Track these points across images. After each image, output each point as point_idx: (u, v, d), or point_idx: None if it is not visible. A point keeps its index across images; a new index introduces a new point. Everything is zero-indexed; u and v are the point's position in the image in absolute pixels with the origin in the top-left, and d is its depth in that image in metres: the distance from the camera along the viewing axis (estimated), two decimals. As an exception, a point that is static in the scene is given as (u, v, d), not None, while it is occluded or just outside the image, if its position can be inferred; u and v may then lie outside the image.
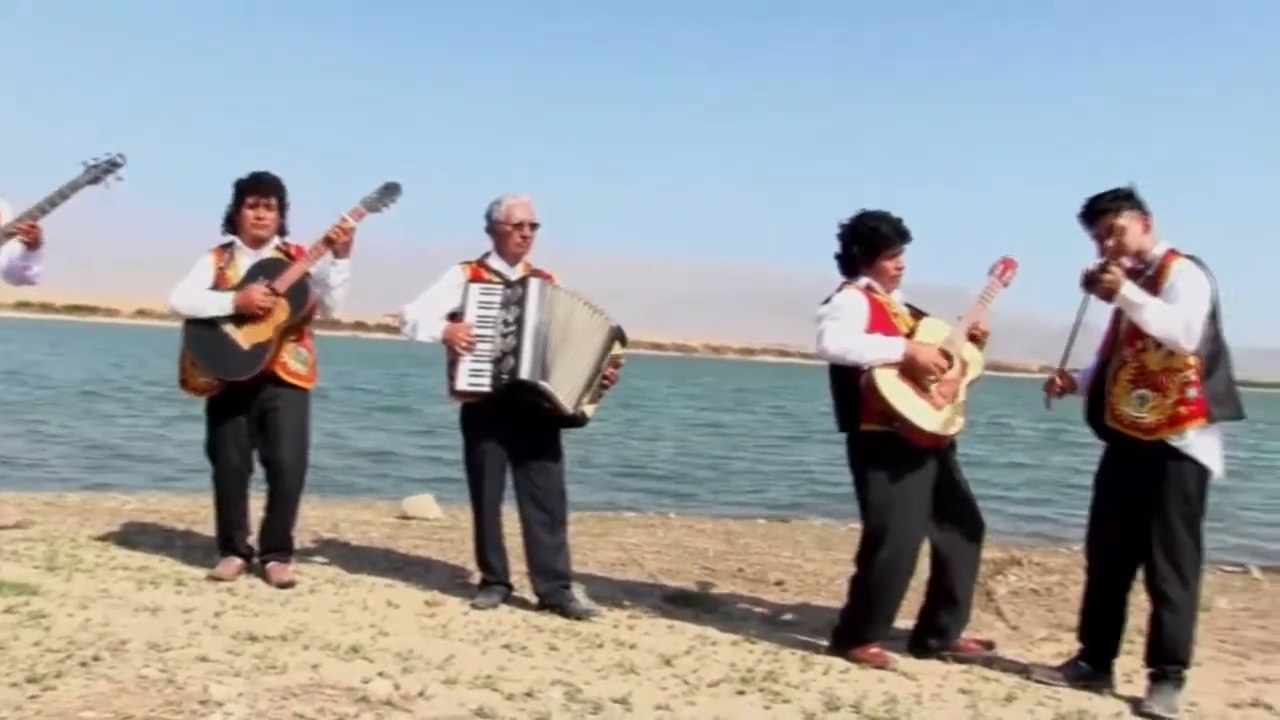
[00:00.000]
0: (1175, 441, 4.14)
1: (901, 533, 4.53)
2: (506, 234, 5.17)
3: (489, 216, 5.21)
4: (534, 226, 5.19)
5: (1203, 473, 4.19)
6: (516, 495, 5.18)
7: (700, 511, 11.68)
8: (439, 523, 8.33)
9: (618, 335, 5.21)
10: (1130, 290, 4.14)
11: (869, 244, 4.65)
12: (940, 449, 4.60)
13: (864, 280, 4.70)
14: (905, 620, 4.91)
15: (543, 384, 4.92)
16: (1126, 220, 4.22)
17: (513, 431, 5.08)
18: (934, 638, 4.77)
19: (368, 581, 5.51)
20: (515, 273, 5.17)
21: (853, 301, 4.62)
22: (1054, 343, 4.68)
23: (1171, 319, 4.07)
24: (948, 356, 4.52)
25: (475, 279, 5.13)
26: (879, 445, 4.53)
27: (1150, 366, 4.20)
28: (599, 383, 5.15)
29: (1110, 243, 4.21)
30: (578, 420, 5.11)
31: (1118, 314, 4.38)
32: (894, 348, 4.48)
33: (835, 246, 4.77)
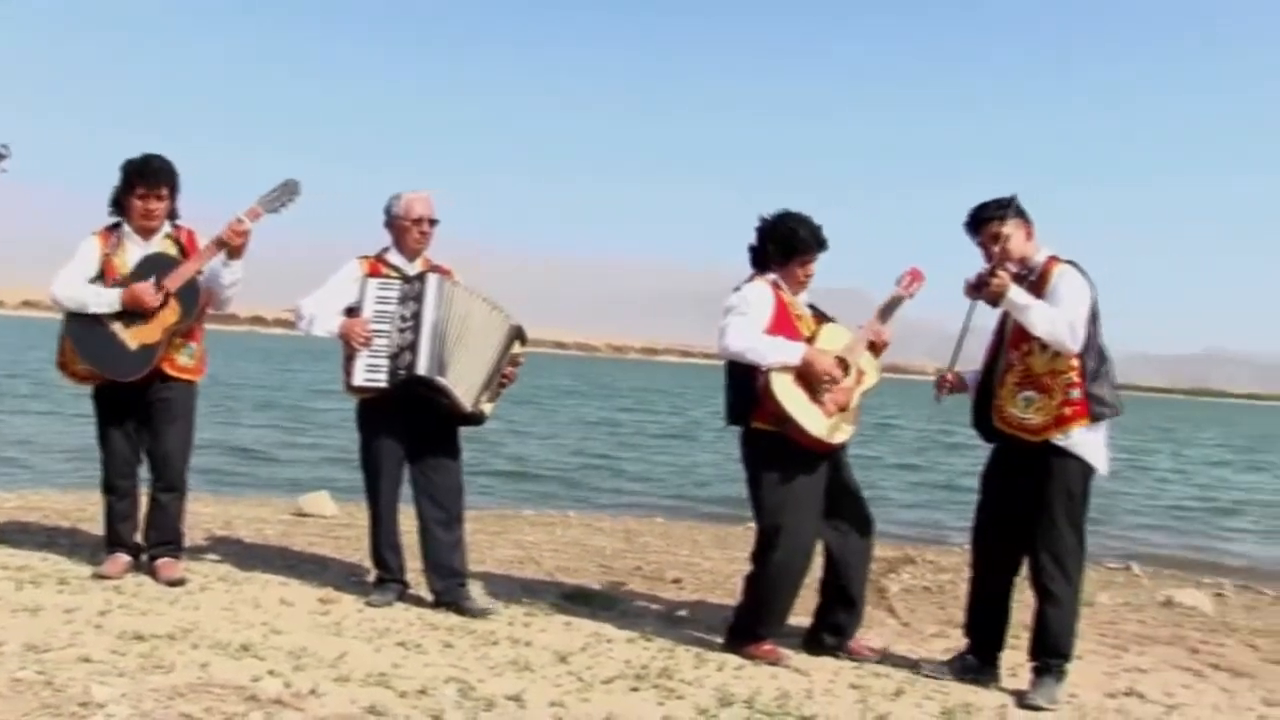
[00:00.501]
0: (1060, 441, 4.28)
1: (795, 533, 4.58)
2: (405, 229, 5.11)
3: (388, 211, 5.16)
4: (433, 223, 5.14)
5: (1087, 471, 4.33)
6: (413, 492, 5.13)
7: (599, 510, 11.69)
8: (335, 520, 8.22)
9: (517, 334, 5.20)
10: (1017, 293, 4.27)
11: (785, 245, 4.67)
12: (831, 452, 4.67)
13: (772, 276, 4.73)
14: (800, 617, 4.97)
15: (440, 380, 4.89)
16: (1010, 228, 4.34)
17: (410, 428, 5.03)
18: (831, 635, 4.84)
19: (261, 579, 5.42)
20: (414, 268, 5.12)
21: (761, 296, 4.64)
22: (951, 346, 4.77)
23: (1056, 320, 4.20)
24: (845, 365, 4.58)
25: (373, 274, 5.07)
26: (771, 444, 4.58)
27: (1035, 369, 4.33)
28: (498, 381, 5.13)
29: (996, 249, 4.33)
30: (476, 418, 5.08)
31: (1003, 319, 4.52)
32: (793, 352, 4.52)
33: (752, 239, 4.79)
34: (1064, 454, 4.29)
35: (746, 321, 4.57)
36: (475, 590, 5.29)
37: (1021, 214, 4.39)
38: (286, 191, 5.02)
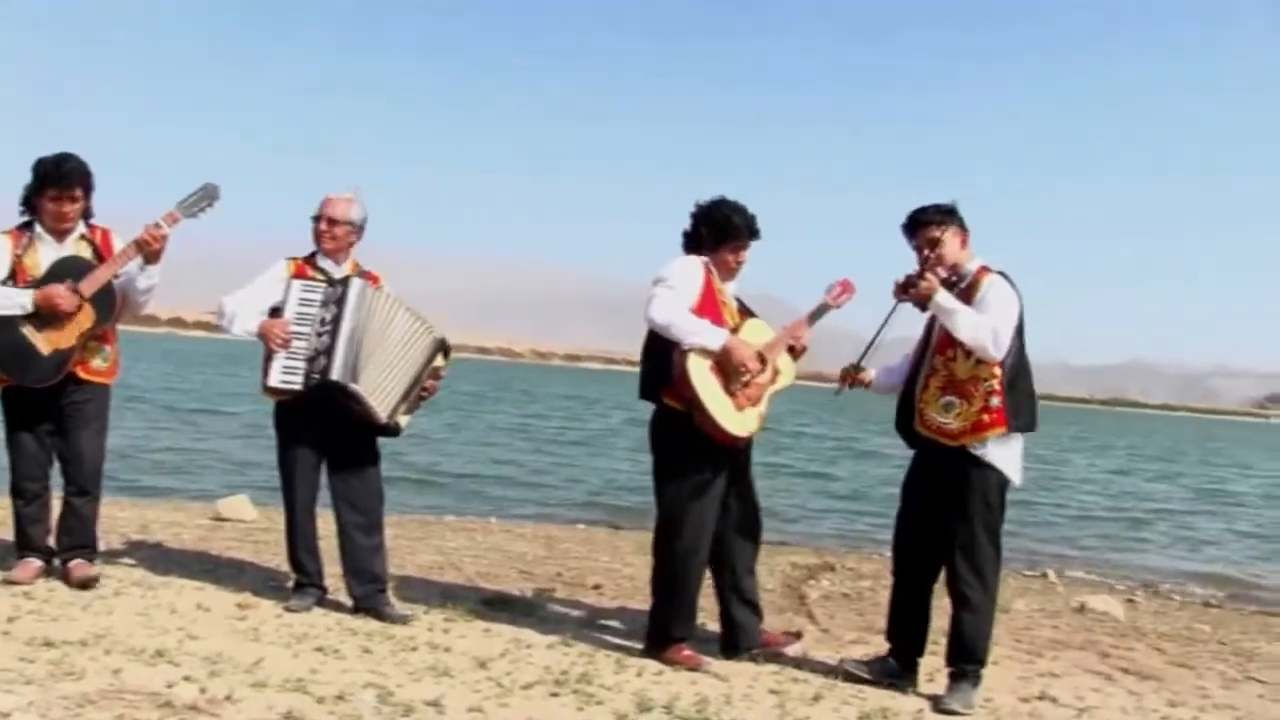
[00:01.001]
0: (976, 449, 4.37)
1: (696, 521, 4.62)
2: (317, 231, 5.08)
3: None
4: (351, 226, 5.08)
5: (1003, 482, 4.43)
6: (332, 497, 5.09)
7: (520, 516, 11.70)
8: (255, 525, 8.13)
9: (441, 347, 5.18)
10: (944, 297, 4.36)
11: (719, 230, 4.69)
12: (737, 447, 4.70)
13: (708, 260, 4.74)
14: (717, 623, 5.01)
15: (352, 386, 4.84)
16: (946, 234, 4.42)
17: (328, 431, 5.00)
18: (741, 636, 4.90)
19: (177, 584, 5.34)
20: (341, 272, 5.09)
21: (691, 272, 4.65)
22: (870, 356, 4.84)
23: (980, 326, 4.29)
24: (763, 361, 4.63)
25: (299, 275, 5.03)
26: (679, 428, 4.59)
27: (958, 375, 4.43)
28: (417, 393, 5.11)
29: (929, 253, 4.41)
30: (391, 430, 5.04)
31: (930, 325, 4.61)
32: (716, 336, 4.52)
33: (686, 224, 4.80)
34: (981, 464, 4.38)
35: (673, 295, 4.55)
36: (395, 596, 5.26)
37: (959, 221, 4.48)
38: (205, 196, 4.93)
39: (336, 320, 4.86)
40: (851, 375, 4.78)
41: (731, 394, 4.54)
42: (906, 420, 4.60)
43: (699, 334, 4.50)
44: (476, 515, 11.13)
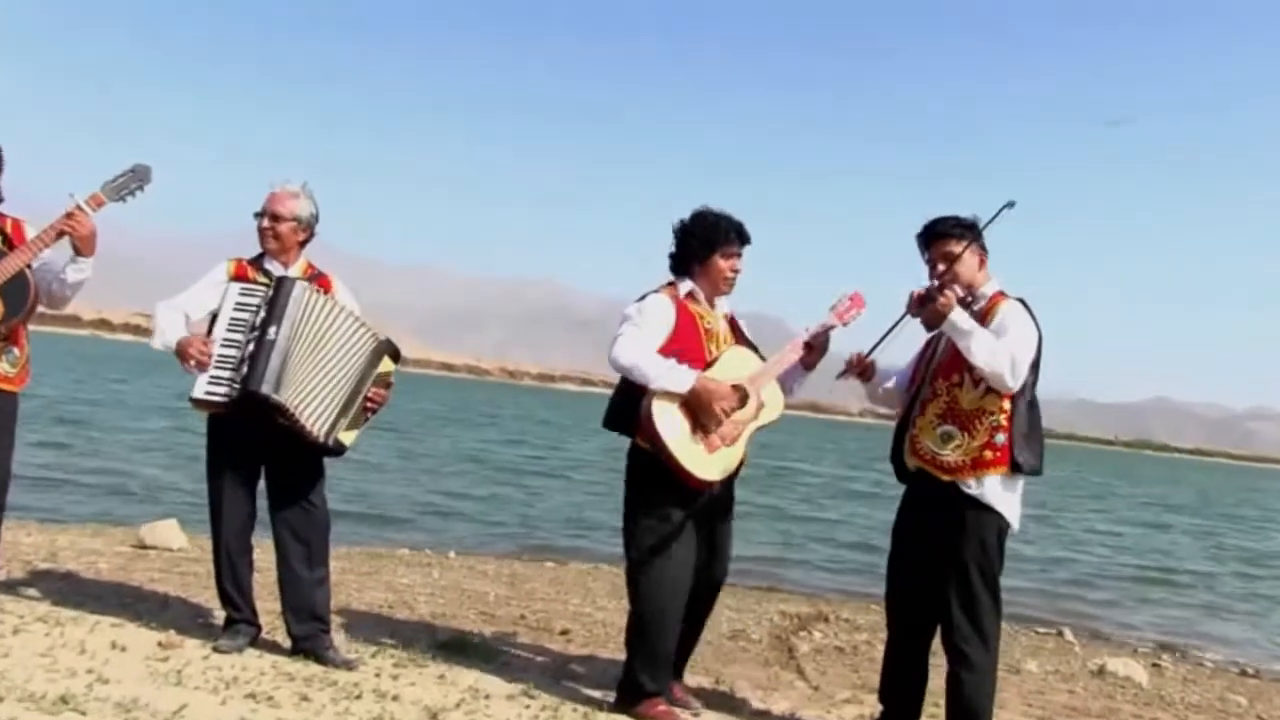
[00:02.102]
0: (973, 489, 4.34)
1: (670, 564, 4.63)
2: (261, 229, 5.04)
3: None
4: (297, 222, 5.01)
5: (1002, 526, 4.40)
6: (272, 523, 5.04)
7: (483, 551, 11.66)
8: (183, 554, 8.07)
9: (386, 350, 5.09)
10: (961, 316, 4.34)
11: (706, 238, 4.75)
12: (711, 490, 4.70)
13: (688, 285, 4.79)
14: (700, 677, 4.99)
15: (275, 397, 4.76)
16: (965, 251, 4.42)
17: (267, 449, 4.94)
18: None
19: (89, 620, 5.25)
20: (290, 274, 5.04)
21: (659, 310, 4.70)
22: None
23: (998, 351, 4.27)
24: (743, 395, 4.61)
25: (239, 277, 4.99)
26: (650, 467, 4.62)
27: (962, 404, 4.41)
28: (361, 405, 5.03)
29: (943, 268, 4.40)
30: (332, 450, 4.98)
31: (932, 345, 4.61)
32: (684, 380, 4.53)
33: (670, 245, 4.86)
34: (977, 505, 4.35)
35: (639, 335, 4.63)
36: (339, 637, 5.22)
37: (979, 239, 4.48)
38: (135, 178, 4.84)
39: (265, 324, 4.81)
40: (858, 363, 4.76)
41: (704, 434, 4.56)
42: (898, 448, 4.61)
43: (664, 378, 4.53)
44: (433, 549, 11.08)
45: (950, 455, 4.37)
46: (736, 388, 4.59)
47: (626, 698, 4.72)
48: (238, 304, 4.89)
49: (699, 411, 4.52)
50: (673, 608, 4.67)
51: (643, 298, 4.77)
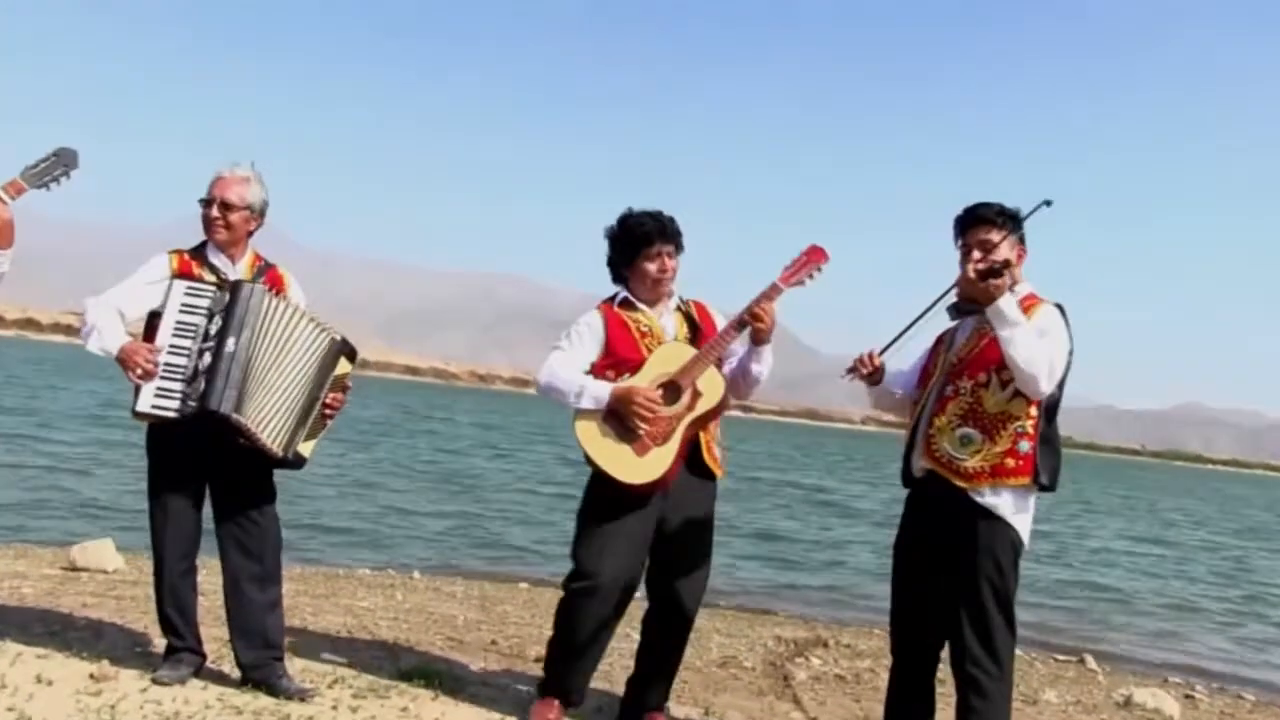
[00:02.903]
0: (987, 499, 4.34)
1: (602, 570, 4.75)
2: (207, 218, 4.97)
3: None
4: (248, 211, 4.96)
5: (1017, 541, 4.40)
6: (219, 541, 5.00)
7: (450, 571, 11.66)
8: (119, 576, 8.05)
9: (342, 350, 5.06)
10: (1011, 304, 4.28)
11: (628, 242, 4.92)
12: (665, 491, 4.79)
13: (621, 294, 4.99)
14: (688, 708, 4.98)
15: (236, 417, 4.73)
16: (1004, 242, 4.41)
17: (213, 460, 4.91)
18: (641, 711, 5.07)
19: (12, 650, 5.22)
20: (237, 269, 4.99)
21: (589, 327, 4.94)
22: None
23: (1040, 352, 4.24)
24: (675, 390, 4.73)
25: (183, 273, 4.92)
26: (599, 478, 4.81)
27: (985, 406, 4.39)
28: (319, 413, 5.02)
29: (987, 255, 4.35)
30: (291, 463, 4.97)
31: (940, 343, 4.64)
32: (599, 395, 4.74)
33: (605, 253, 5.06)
34: (992, 517, 4.35)
35: (563, 358, 4.90)
36: (293, 665, 5.20)
37: (1021, 234, 4.48)
38: (59, 163, 4.75)
39: (222, 334, 4.75)
40: (867, 363, 4.75)
41: (633, 439, 4.72)
42: (910, 448, 4.60)
43: (580, 397, 4.77)
44: (396, 569, 11.08)
45: (969, 460, 4.37)
46: (665, 385, 4.72)
47: (542, 690, 5.01)
48: (184, 305, 4.82)
49: (625, 417, 4.69)
50: (597, 615, 4.82)
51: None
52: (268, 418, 4.82)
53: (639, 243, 4.88)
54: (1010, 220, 4.46)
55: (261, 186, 5.06)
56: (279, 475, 5.08)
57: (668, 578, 4.90)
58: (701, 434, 4.84)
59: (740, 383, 4.94)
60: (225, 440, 4.84)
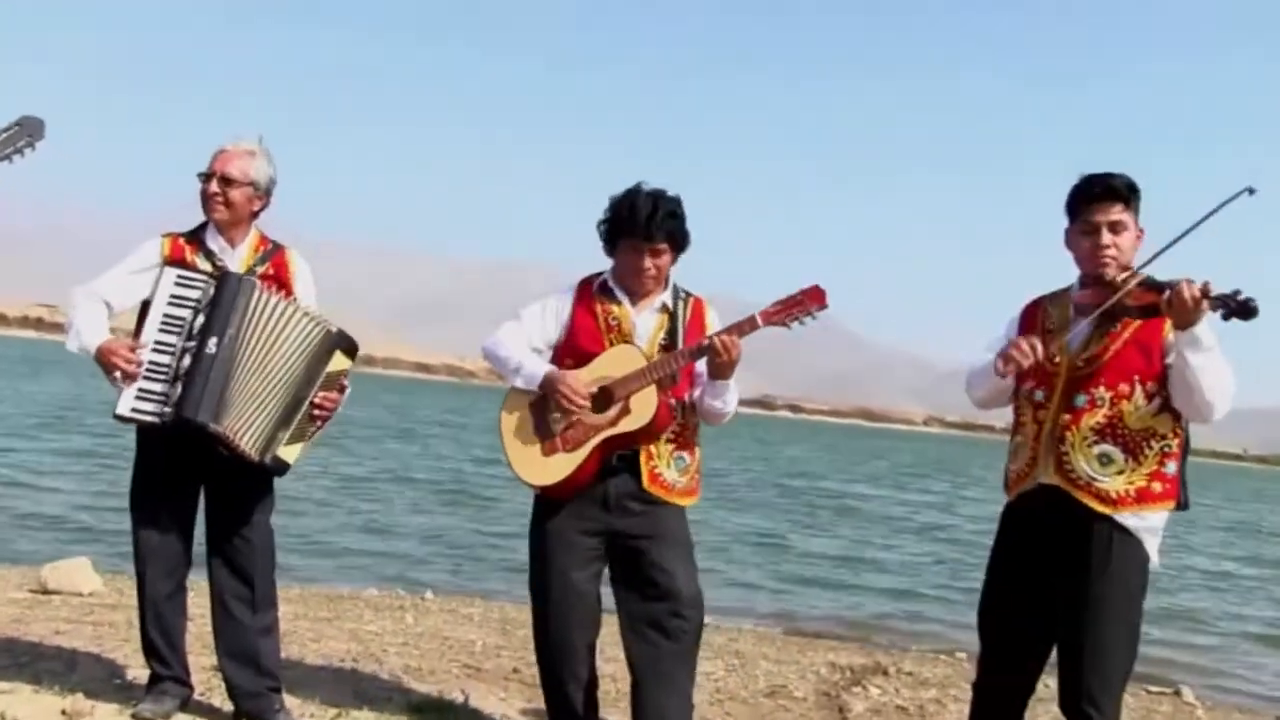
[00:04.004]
0: (1128, 519, 4.19)
1: (547, 595, 4.84)
2: (206, 194, 4.94)
3: None
4: (252, 188, 4.92)
5: (1146, 564, 4.25)
6: (208, 558, 4.99)
7: (468, 591, 11.67)
8: (96, 599, 8.06)
9: (338, 344, 5.00)
10: (1209, 329, 4.06)
11: (612, 225, 4.85)
12: (606, 501, 4.76)
13: (602, 277, 4.93)
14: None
15: (214, 427, 4.69)
16: (1131, 219, 4.27)
17: (208, 470, 4.89)
18: None
19: (-27, 686, 5.25)
20: (237, 254, 4.95)
21: (553, 310, 4.97)
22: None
23: (1224, 379, 4.09)
24: (607, 397, 4.68)
25: (175, 259, 4.89)
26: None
27: (1128, 420, 4.21)
28: (306, 413, 4.93)
29: (1102, 242, 4.20)
30: (270, 470, 4.91)
31: (1036, 316, 4.44)
32: (534, 375, 4.79)
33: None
34: (1126, 534, 4.20)
35: (515, 329, 4.95)
36: (291, 698, 5.20)
37: (1140, 206, 4.32)
38: (22, 133, 4.72)
39: (204, 333, 4.72)
40: (1029, 354, 4.24)
41: (547, 435, 4.76)
42: (1030, 459, 4.36)
43: (516, 374, 4.84)
44: (406, 588, 11.09)
45: (1113, 483, 4.18)
46: (603, 389, 4.68)
47: None
48: (173, 298, 4.79)
49: (549, 406, 4.74)
50: (564, 647, 4.89)
51: None
52: (249, 423, 4.77)
53: (622, 230, 4.80)
54: (1136, 196, 4.27)
55: (269, 163, 5.01)
56: (277, 485, 5.06)
57: (631, 593, 4.86)
58: (643, 457, 4.77)
59: (699, 413, 4.92)
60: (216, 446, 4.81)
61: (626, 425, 4.69)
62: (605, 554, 4.84)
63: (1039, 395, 4.38)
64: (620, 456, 4.73)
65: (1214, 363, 4.06)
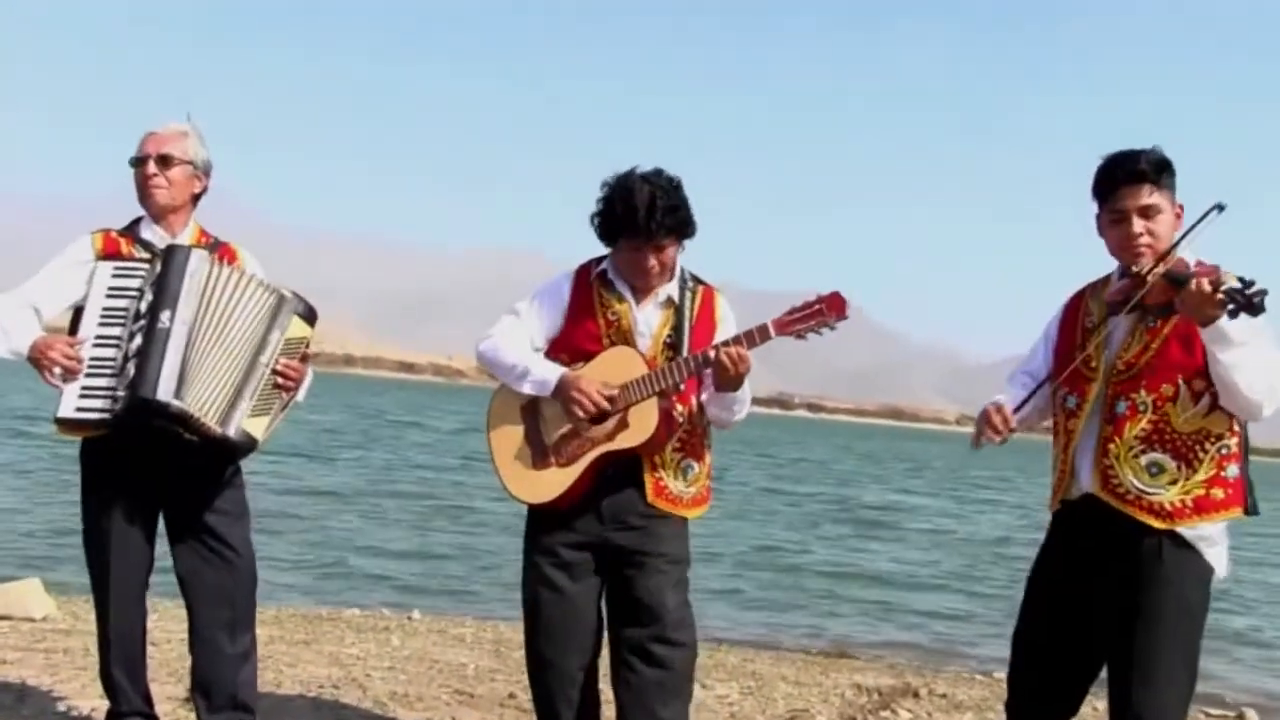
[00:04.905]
0: (1186, 530, 4.10)
1: (541, 614, 4.80)
2: (142, 178, 4.88)
3: None
4: (191, 167, 4.88)
5: (1208, 575, 4.17)
6: (178, 578, 4.91)
7: (458, 610, 11.68)
8: (49, 624, 8.04)
9: (295, 308, 4.92)
10: (1235, 324, 3.90)
11: (614, 217, 4.68)
12: (599, 516, 4.71)
13: (603, 265, 4.82)
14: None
15: (176, 404, 4.61)
16: (1164, 200, 4.16)
17: (166, 479, 4.83)
18: None
19: (-89, 723, 5.24)
20: (183, 241, 4.88)
21: (553, 299, 4.88)
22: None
23: (1266, 372, 3.98)
24: (610, 407, 4.60)
25: (109, 254, 4.84)
26: None
27: (1175, 424, 4.11)
28: (268, 382, 4.84)
29: (1136, 231, 4.10)
30: (235, 446, 4.79)
31: (1074, 320, 4.36)
32: (546, 379, 4.69)
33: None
34: (1183, 545, 4.10)
35: (515, 326, 4.87)
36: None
37: (1174, 183, 4.20)
38: None
39: (154, 309, 4.66)
40: (1001, 429, 4.34)
41: (539, 445, 4.72)
42: (1067, 469, 4.31)
43: (524, 379, 4.75)
44: (392, 608, 11.11)
45: (1166, 494, 4.08)
46: (611, 397, 4.59)
47: None
48: (111, 289, 4.74)
49: (547, 413, 4.70)
50: (553, 672, 4.85)
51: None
52: (212, 399, 4.69)
53: (622, 226, 4.66)
54: (1166, 173, 4.15)
55: (202, 144, 4.96)
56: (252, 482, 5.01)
57: (623, 613, 4.82)
58: (646, 467, 4.70)
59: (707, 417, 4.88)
60: (180, 447, 4.75)
61: (624, 441, 4.64)
62: (600, 568, 4.79)
63: (1071, 402, 4.32)
64: (619, 465, 4.66)
65: (1250, 358, 3.93)
